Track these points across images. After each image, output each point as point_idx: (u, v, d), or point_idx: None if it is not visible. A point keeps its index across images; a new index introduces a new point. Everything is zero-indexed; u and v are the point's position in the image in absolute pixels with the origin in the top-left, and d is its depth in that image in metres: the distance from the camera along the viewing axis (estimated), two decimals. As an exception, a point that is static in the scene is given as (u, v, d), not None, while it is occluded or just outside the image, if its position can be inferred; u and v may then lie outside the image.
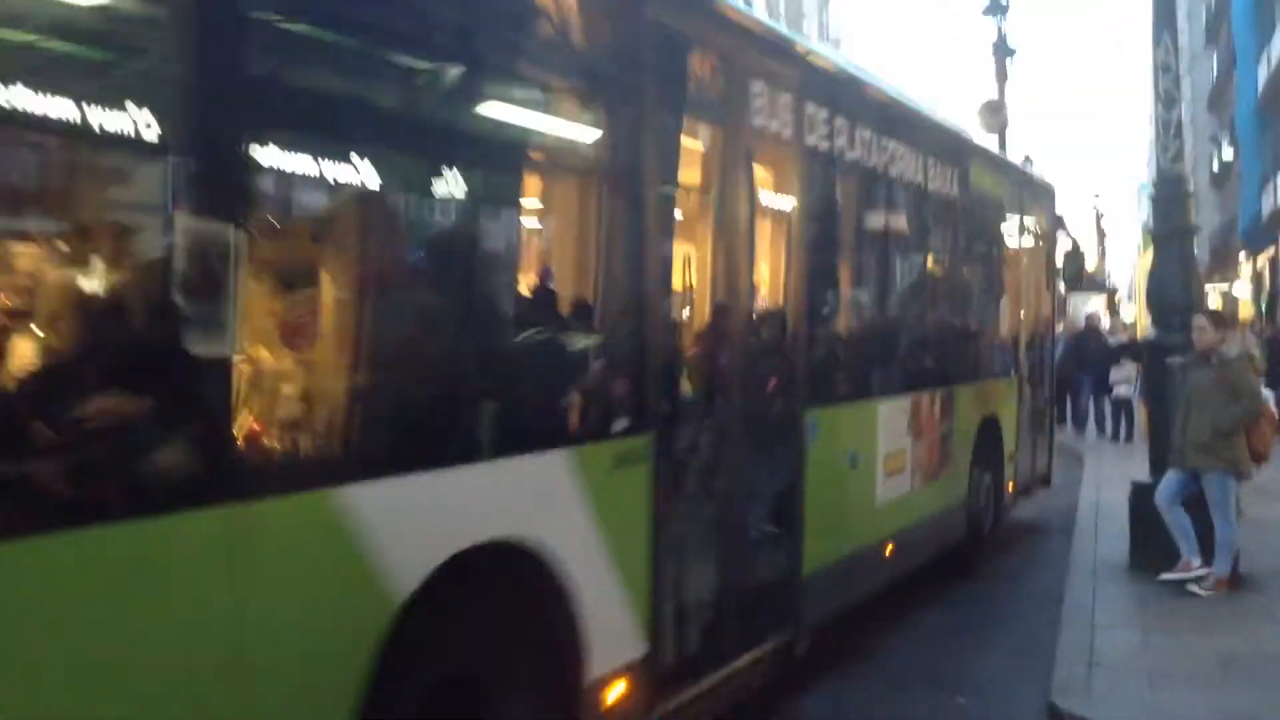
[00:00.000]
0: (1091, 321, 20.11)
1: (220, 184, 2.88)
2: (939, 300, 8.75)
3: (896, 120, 7.58)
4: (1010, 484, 10.05)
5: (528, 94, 4.23)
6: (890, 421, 7.24)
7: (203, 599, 2.78)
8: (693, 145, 5.39)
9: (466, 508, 3.65)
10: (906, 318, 8.12)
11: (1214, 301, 27.52)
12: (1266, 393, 8.72)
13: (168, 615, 2.70)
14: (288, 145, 3.23)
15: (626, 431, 4.48)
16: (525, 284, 4.53)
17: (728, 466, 5.30)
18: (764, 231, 6.05)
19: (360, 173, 3.43)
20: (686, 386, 5.19)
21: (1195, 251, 9.35)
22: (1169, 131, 8.89)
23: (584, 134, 4.55)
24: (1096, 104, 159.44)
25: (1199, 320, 7.98)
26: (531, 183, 4.58)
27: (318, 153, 3.34)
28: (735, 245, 5.44)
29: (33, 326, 2.71)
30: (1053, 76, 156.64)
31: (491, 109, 3.98)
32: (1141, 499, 8.21)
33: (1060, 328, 15.10)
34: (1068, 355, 17.33)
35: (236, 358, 2.91)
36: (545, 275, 4.70)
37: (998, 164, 10.65)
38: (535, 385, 4.17)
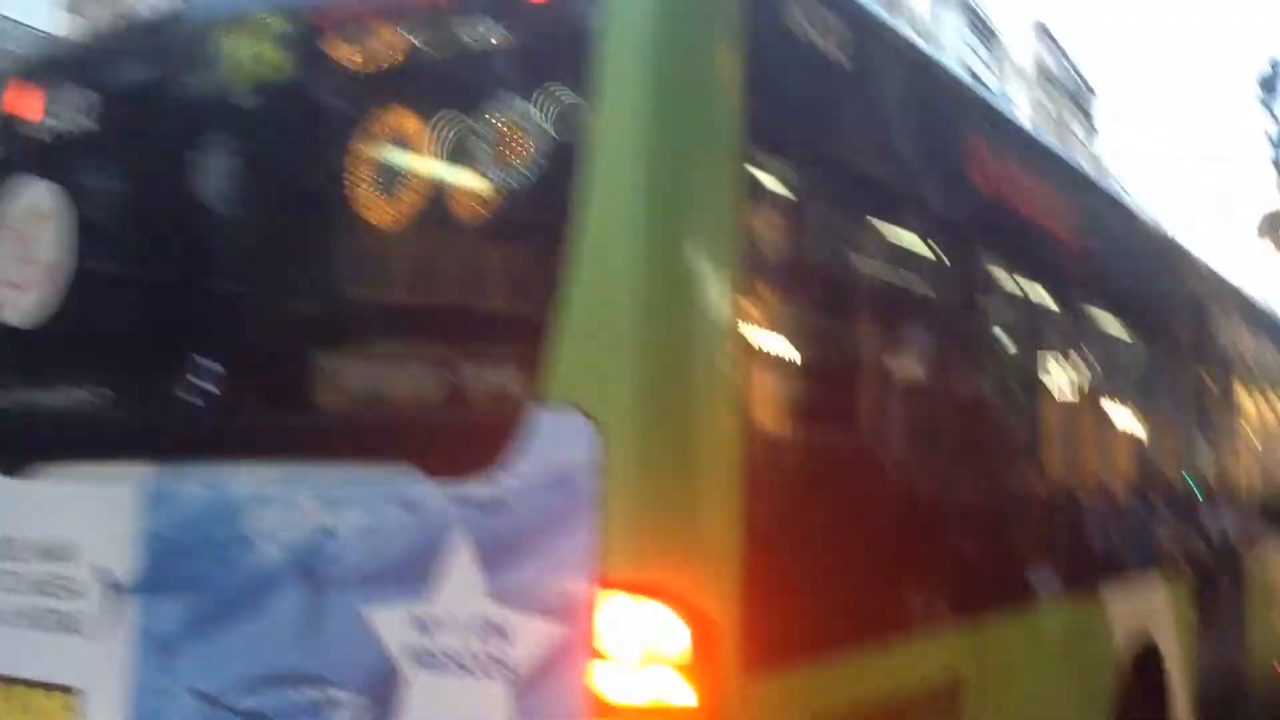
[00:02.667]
0: None
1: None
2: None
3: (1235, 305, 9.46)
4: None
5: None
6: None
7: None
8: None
9: (1139, 614, 5.47)
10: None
11: None
12: None
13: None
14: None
15: (1186, 570, 6.31)
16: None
17: (1228, 604, 7.02)
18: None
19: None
20: (1209, 542, 6.93)
21: None
22: None
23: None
24: None
25: None
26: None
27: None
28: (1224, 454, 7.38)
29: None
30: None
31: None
32: None
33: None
34: None
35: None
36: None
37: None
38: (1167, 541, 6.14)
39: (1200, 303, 7.36)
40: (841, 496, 3.09)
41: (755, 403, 2.75)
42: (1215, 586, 6.98)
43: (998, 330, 4.31)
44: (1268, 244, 19.44)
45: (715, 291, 2.64)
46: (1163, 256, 6.70)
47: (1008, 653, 4.01)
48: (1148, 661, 5.46)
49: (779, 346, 2.90)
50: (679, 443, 2.57)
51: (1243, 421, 8.34)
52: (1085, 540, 4.97)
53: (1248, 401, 8.65)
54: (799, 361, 3.00)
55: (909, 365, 3.58)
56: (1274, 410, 9.76)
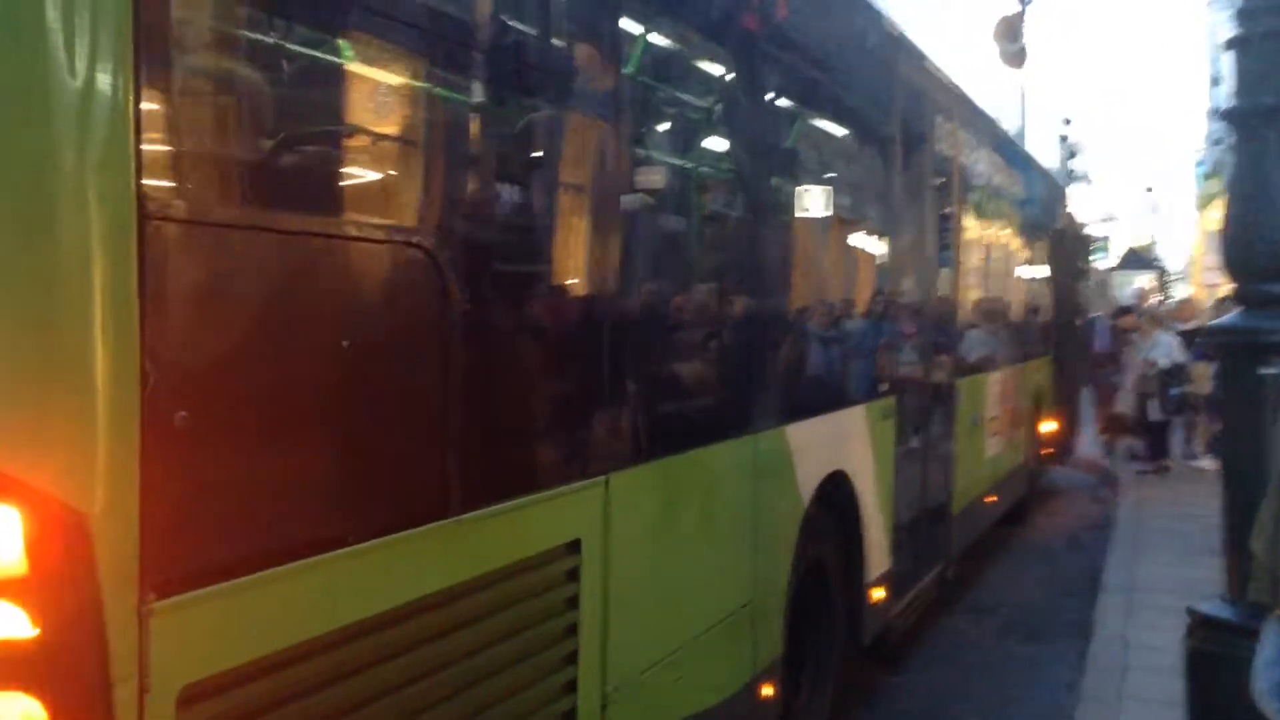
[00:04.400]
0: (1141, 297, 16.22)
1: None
2: (1013, 289, 10.22)
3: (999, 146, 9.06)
4: (1047, 448, 11.61)
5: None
6: (993, 391, 8.66)
7: (738, 490, 4.07)
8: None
9: (828, 443, 4.94)
10: (1000, 304, 9.57)
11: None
12: None
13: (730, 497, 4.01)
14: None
15: (885, 394, 5.82)
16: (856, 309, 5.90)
17: (926, 422, 6.66)
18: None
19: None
20: (908, 364, 6.48)
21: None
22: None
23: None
24: (1147, 74, 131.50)
25: None
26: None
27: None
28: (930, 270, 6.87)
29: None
30: (1095, 30, 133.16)
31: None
32: (1206, 657, 4.03)
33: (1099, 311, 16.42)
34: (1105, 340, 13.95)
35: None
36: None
37: (1035, 168, 12.14)
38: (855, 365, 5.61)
39: (924, 110, 6.77)
40: (322, 329, 2.09)
41: (159, 165, 1.75)
42: (921, 413, 6.64)
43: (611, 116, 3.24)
44: (1003, 50, 18.75)
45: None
46: (876, 43, 5.92)
47: (636, 507, 3.27)
48: (836, 490, 4.99)
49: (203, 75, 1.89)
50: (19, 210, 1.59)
51: (963, 240, 7.98)
52: (746, 380, 4.25)
53: (971, 219, 8.32)
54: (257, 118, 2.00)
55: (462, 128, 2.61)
56: (997, 230, 9.56)
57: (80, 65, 1.61)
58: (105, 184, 1.63)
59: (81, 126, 1.62)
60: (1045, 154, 27.92)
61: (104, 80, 1.63)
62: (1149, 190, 50.36)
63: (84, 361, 1.62)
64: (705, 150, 4.27)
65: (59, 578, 1.58)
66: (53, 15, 1.59)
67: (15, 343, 1.58)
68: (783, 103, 4.81)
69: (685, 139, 4.14)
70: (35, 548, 1.56)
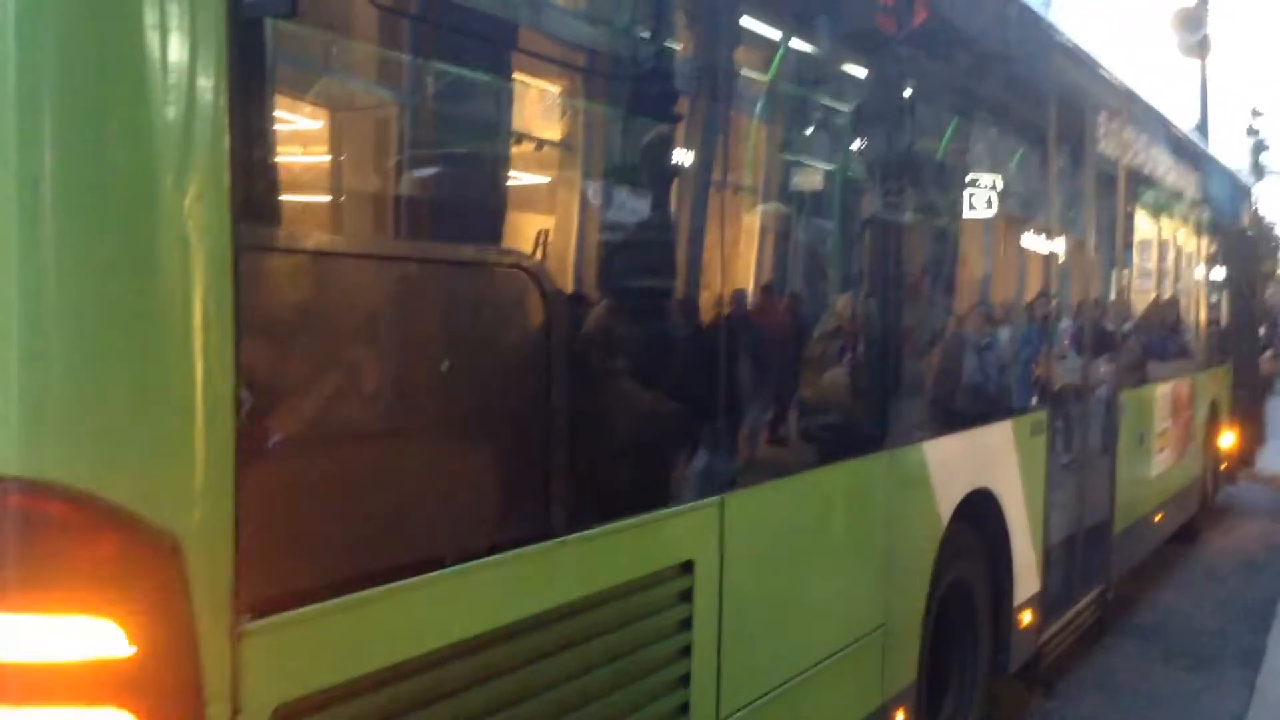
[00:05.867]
0: None
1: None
2: (1186, 294, 9.69)
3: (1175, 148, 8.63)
4: (1224, 463, 10.96)
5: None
6: (1162, 403, 8.22)
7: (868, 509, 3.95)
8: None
9: (969, 459, 4.76)
10: (1171, 311, 9.09)
11: None
12: None
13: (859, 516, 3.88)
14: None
15: (1036, 408, 5.58)
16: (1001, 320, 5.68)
17: (1084, 437, 6.36)
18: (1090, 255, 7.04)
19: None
20: (1064, 376, 6.21)
21: None
22: None
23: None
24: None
25: None
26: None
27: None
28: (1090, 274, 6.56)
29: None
30: None
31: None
32: None
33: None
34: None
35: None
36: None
37: (1220, 170, 11.49)
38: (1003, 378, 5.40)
39: (1082, 108, 6.45)
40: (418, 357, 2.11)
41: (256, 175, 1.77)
42: (1078, 427, 6.34)
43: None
44: (1182, 41, 17.80)
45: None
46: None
47: (754, 527, 3.17)
48: (980, 509, 4.81)
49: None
50: (103, 219, 1.62)
51: (1127, 243, 7.60)
52: (878, 396, 4.11)
53: (1136, 221, 7.92)
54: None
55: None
56: (1167, 232, 9.08)
57: (177, 98, 1.66)
58: (202, 214, 1.68)
59: (179, 160, 1.67)
60: (1232, 149, 26.38)
61: (201, 115, 1.68)
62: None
63: (179, 387, 1.67)
64: (840, 151, 4.16)
65: (153, 598, 1.64)
66: (151, 51, 1.64)
67: (110, 367, 1.64)
68: (930, 101, 4.67)
69: (817, 140, 4.04)
70: (130, 569, 1.62)
